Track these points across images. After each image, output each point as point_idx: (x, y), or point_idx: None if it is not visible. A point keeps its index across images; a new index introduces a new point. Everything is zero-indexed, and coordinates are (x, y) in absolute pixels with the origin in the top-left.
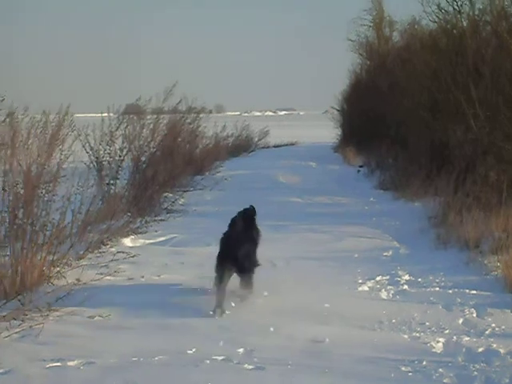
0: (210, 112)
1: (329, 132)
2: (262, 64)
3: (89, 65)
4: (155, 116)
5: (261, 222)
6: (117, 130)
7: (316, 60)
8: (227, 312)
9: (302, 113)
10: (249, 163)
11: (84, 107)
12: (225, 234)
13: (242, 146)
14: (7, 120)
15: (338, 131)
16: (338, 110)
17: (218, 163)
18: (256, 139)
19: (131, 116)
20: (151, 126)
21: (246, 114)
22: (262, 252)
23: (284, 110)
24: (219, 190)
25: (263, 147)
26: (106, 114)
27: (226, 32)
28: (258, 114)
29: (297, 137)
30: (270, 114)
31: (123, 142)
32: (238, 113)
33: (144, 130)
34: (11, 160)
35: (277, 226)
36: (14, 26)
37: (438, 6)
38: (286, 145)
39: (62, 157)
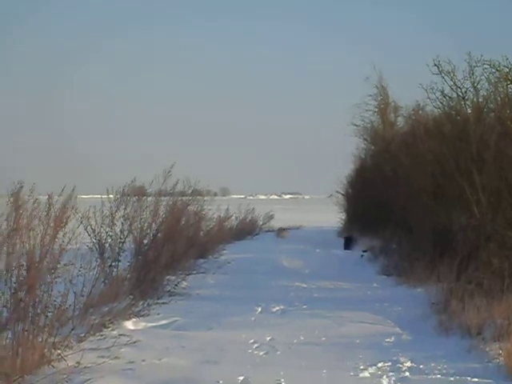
0: (215, 195)
1: (333, 216)
2: (268, 148)
3: (88, 146)
4: (158, 198)
5: (265, 307)
6: (117, 211)
7: (321, 144)
8: None
9: (307, 197)
10: (253, 247)
11: (84, 188)
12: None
13: (246, 230)
14: (11, 201)
15: (343, 216)
16: (343, 195)
17: (221, 246)
18: (260, 223)
19: (132, 197)
20: (152, 207)
21: (250, 198)
22: (264, 338)
23: (289, 193)
24: (222, 274)
25: (268, 231)
26: (106, 196)
27: (233, 116)
28: (263, 197)
29: (301, 221)
30: (275, 197)
31: (123, 224)
32: (243, 196)
33: (144, 212)
34: (15, 242)
35: (280, 310)
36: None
37: (442, 92)
38: (291, 228)
39: (66, 239)
